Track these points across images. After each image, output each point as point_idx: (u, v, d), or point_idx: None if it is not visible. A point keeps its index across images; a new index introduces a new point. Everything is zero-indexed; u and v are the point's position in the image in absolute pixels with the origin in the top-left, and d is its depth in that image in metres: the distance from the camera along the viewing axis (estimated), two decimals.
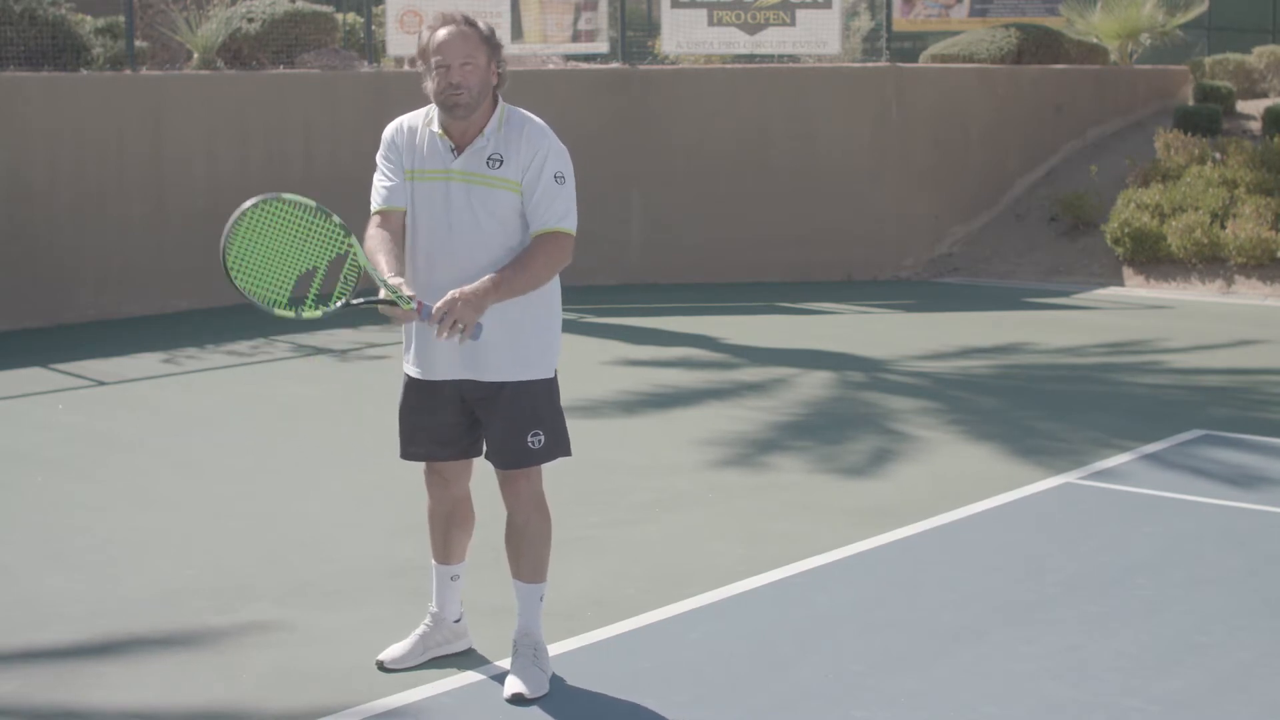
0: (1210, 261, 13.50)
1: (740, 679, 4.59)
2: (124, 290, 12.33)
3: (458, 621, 4.76)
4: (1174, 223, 13.59)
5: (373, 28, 14.46)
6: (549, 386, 4.48)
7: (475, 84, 4.29)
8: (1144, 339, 11.00)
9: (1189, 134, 15.03)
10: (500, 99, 4.41)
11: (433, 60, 4.30)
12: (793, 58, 15.12)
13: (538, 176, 4.33)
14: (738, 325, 11.75)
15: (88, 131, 12.23)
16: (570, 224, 4.36)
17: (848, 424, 8.22)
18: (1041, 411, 8.50)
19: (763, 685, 4.54)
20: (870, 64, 15.12)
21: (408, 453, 4.62)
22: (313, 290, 4.24)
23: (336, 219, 4.27)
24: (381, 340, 10.82)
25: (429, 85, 4.33)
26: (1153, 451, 7.48)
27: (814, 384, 9.37)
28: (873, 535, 6.09)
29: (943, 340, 10.95)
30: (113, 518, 6.48)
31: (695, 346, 10.88)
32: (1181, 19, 17.21)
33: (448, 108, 4.30)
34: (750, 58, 14.97)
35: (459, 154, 4.36)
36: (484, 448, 4.55)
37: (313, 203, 4.27)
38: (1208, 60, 17.41)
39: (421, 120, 4.45)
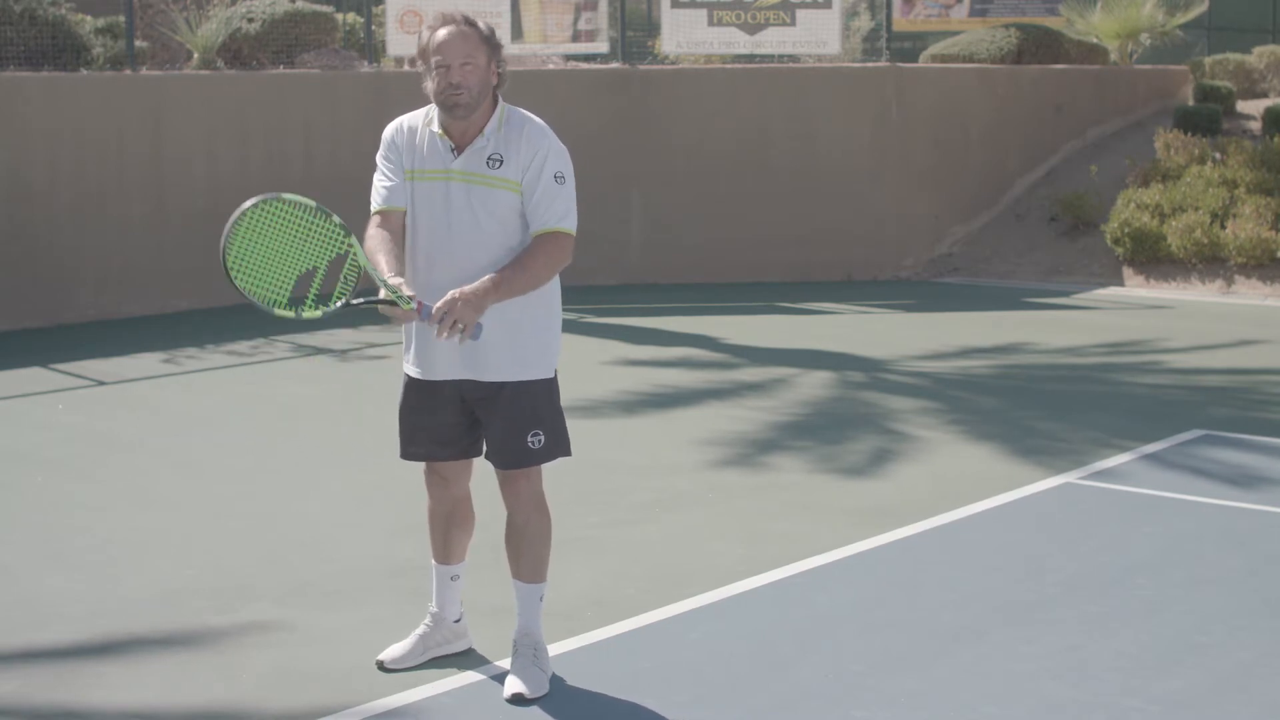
0: (1210, 261, 13.51)
1: (740, 679, 4.59)
2: (124, 290, 12.33)
3: (458, 622, 4.76)
4: (1174, 223, 13.59)
5: (373, 28, 14.46)
6: (549, 386, 4.48)
7: (475, 84, 4.29)
8: (1144, 339, 11.00)
9: (1189, 134, 15.03)
10: (500, 99, 4.41)
11: (433, 60, 4.30)
12: (793, 58, 15.12)
13: (538, 176, 4.33)
14: (738, 325, 11.75)
15: (88, 131, 12.23)
16: (570, 224, 4.36)
17: (848, 424, 8.22)
18: (1041, 411, 8.50)
19: (763, 685, 4.54)
20: (870, 64, 15.12)
21: (408, 453, 4.62)
22: (313, 290, 4.24)
23: (336, 219, 4.27)
24: (381, 340, 10.82)
25: (429, 85, 4.33)
26: (1153, 451, 7.48)
27: (814, 384, 9.37)
28: (873, 535, 6.09)
29: (943, 340, 10.95)
30: (113, 518, 6.48)
31: (695, 346, 10.88)
32: (1181, 19, 17.21)
33: (448, 108, 4.30)
34: (750, 58, 14.97)
35: (459, 154, 4.36)
36: (484, 448, 4.55)
37: (313, 203, 4.27)
38: (1208, 60, 17.41)
39: (421, 120, 4.45)
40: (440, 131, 4.38)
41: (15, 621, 5.15)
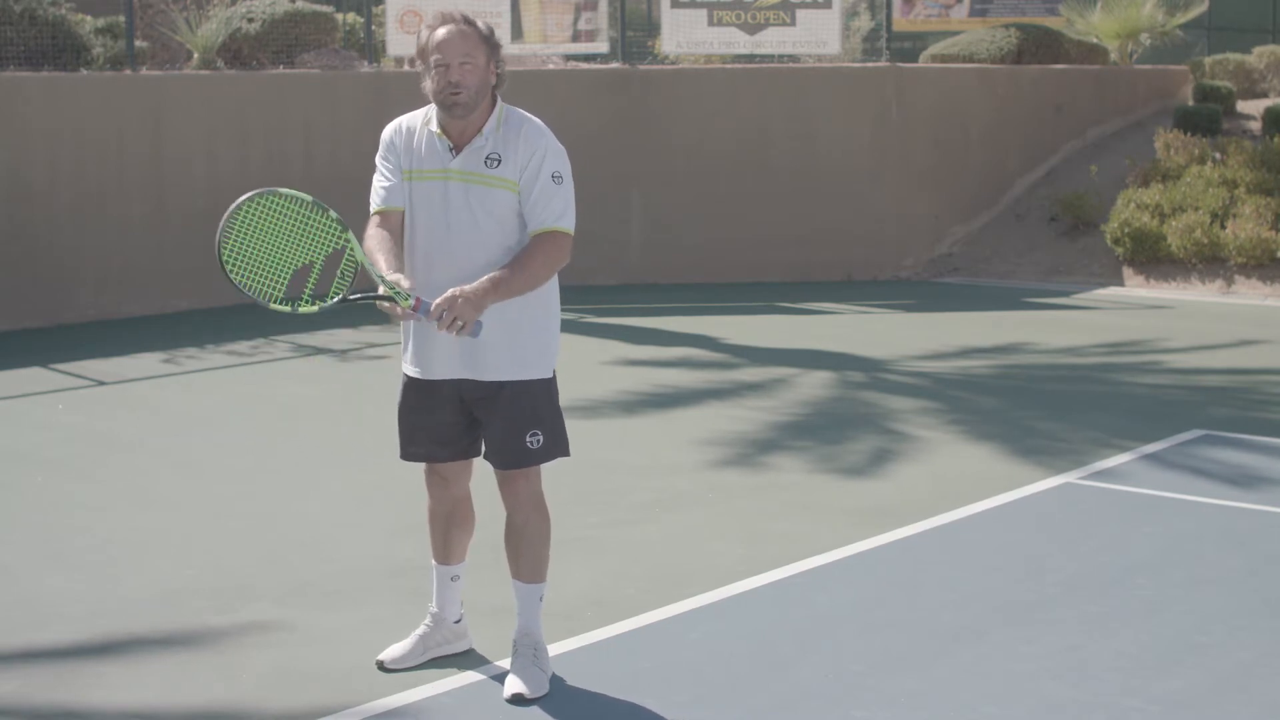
0: (1210, 261, 13.50)
1: (740, 679, 4.59)
2: (124, 290, 12.33)
3: (458, 622, 4.76)
4: (1174, 223, 13.59)
5: (373, 28, 14.46)
6: (548, 386, 4.48)
7: (474, 83, 4.29)
8: (1144, 339, 11.00)
9: (1189, 134, 15.03)
10: (499, 99, 4.41)
11: (431, 59, 4.30)
12: (793, 58, 15.12)
13: (535, 176, 4.33)
14: (738, 325, 11.75)
15: (88, 131, 12.23)
16: (568, 223, 4.35)
17: (848, 424, 8.22)
18: (1041, 411, 8.50)
19: (763, 685, 4.54)
20: (870, 64, 15.12)
21: (407, 453, 4.62)
22: (309, 285, 4.23)
23: (333, 213, 4.27)
24: (381, 340, 10.82)
25: (427, 85, 4.33)
26: (1153, 451, 7.48)
27: (814, 384, 9.37)
28: (873, 535, 6.09)
29: (943, 340, 10.95)
30: (113, 518, 6.48)
31: (695, 346, 10.88)
32: (1181, 19, 17.21)
33: (446, 106, 4.30)
34: (750, 58, 14.97)
35: (457, 153, 4.36)
36: (483, 448, 4.55)
37: (309, 197, 4.27)
38: (1208, 60, 17.41)
39: (420, 120, 4.45)
40: (439, 131, 4.38)
41: (15, 621, 5.15)
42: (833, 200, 14.42)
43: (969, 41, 16.43)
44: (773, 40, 14.71)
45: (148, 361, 10.25)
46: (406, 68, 14.15)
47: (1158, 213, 13.86)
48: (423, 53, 4.34)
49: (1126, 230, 13.77)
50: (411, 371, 4.51)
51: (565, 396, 4.65)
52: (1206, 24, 19.38)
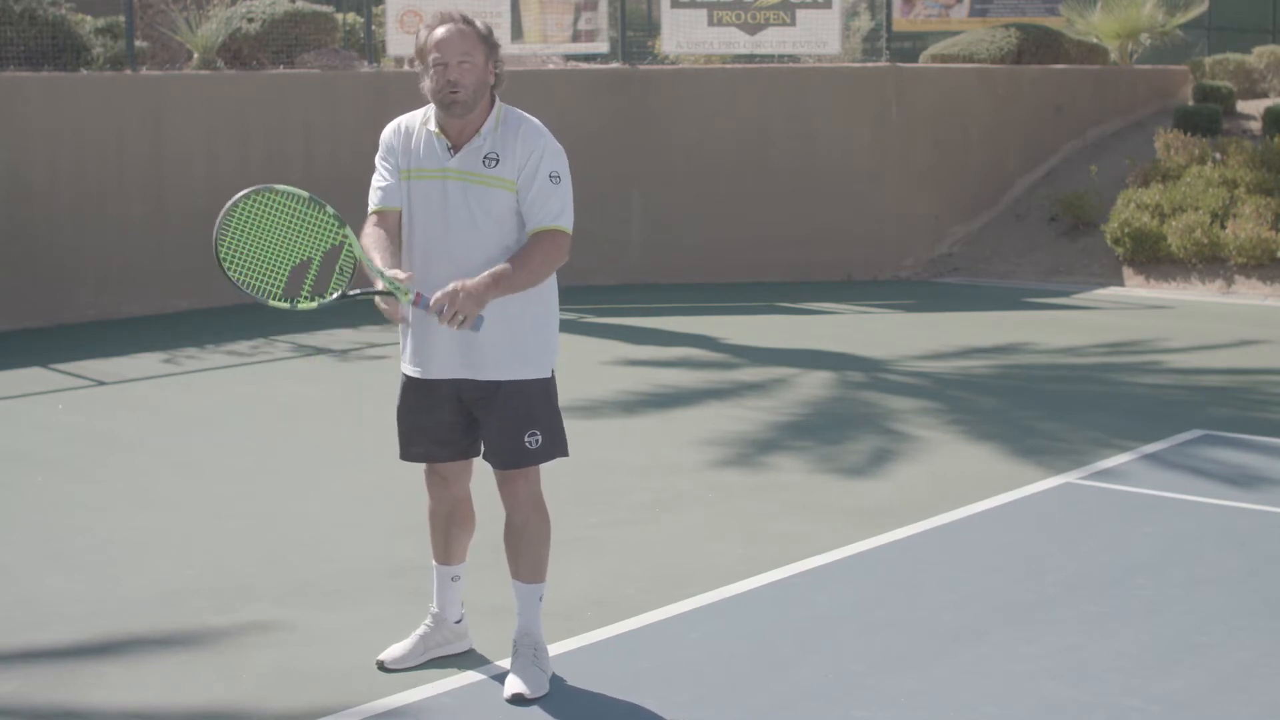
0: (1210, 261, 13.50)
1: (740, 679, 4.59)
2: (124, 290, 12.33)
3: (458, 622, 4.76)
4: (1174, 223, 13.59)
5: (373, 28, 14.46)
6: (546, 386, 4.48)
7: (472, 82, 4.29)
8: (1144, 339, 11.00)
9: (1189, 134, 15.03)
10: (497, 99, 4.41)
11: (430, 58, 4.30)
12: (793, 58, 15.12)
13: (533, 175, 4.33)
14: (738, 325, 11.75)
15: (88, 131, 12.23)
16: (566, 222, 4.36)
17: (848, 424, 8.22)
18: (1041, 411, 8.50)
19: (763, 685, 4.54)
20: (870, 64, 15.12)
21: (407, 454, 4.62)
22: (308, 282, 4.23)
23: (330, 209, 4.27)
24: (381, 340, 10.82)
25: (426, 84, 4.33)
26: (1153, 451, 7.48)
27: (814, 384, 9.37)
28: (873, 535, 6.09)
29: (943, 340, 10.95)
30: (113, 518, 6.48)
31: (695, 346, 10.88)
32: (1181, 19, 17.21)
33: (445, 106, 4.30)
34: (750, 58, 14.97)
35: (455, 153, 4.36)
36: (483, 448, 4.55)
37: (306, 193, 4.27)
38: (1208, 60, 17.41)
39: (419, 120, 4.45)
40: (437, 130, 4.38)
41: (15, 621, 5.15)
42: (833, 200, 14.42)
43: (969, 41, 16.43)
44: (773, 40, 14.71)
45: (148, 361, 10.25)
46: (406, 68, 14.15)
47: (1158, 213, 13.86)
48: (421, 52, 4.35)
49: (1126, 230, 13.77)
50: (411, 371, 4.51)
51: (565, 396, 4.65)
52: (1206, 24, 19.38)
